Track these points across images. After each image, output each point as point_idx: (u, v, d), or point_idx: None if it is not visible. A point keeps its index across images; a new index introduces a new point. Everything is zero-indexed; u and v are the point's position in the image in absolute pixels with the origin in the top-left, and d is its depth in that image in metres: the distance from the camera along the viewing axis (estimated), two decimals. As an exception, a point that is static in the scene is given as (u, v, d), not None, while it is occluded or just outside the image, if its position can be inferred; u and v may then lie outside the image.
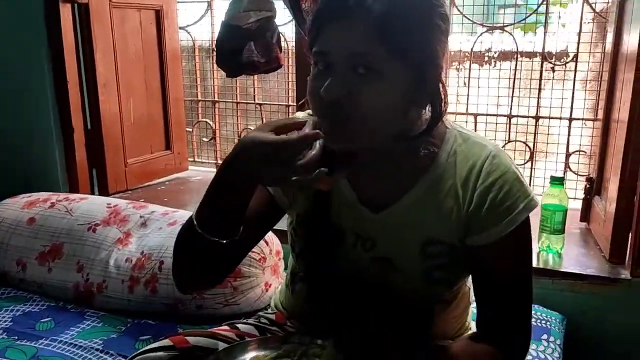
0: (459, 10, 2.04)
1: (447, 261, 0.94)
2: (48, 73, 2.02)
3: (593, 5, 1.93)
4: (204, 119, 2.66)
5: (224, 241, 0.87)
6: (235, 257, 0.99)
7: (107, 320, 1.55)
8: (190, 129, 2.66)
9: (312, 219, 0.98)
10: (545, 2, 1.97)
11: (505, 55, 2.71)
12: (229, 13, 1.58)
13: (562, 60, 2.09)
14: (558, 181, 1.62)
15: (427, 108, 0.90)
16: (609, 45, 1.75)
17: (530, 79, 2.10)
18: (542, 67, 2.03)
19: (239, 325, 1.12)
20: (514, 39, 2.07)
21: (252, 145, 0.78)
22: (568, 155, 2.07)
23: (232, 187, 0.84)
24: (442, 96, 0.89)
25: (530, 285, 0.96)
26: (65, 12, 1.98)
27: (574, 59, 2.00)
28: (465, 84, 3.14)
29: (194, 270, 0.94)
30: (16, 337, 1.45)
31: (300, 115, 1.03)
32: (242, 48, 1.54)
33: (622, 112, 1.55)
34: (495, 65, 2.76)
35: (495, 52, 2.73)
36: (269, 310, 1.20)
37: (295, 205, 1.01)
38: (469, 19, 2.06)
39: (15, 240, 1.74)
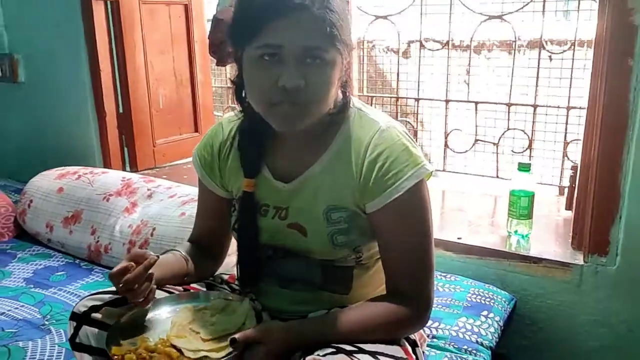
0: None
1: (347, 226, 1.05)
2: (85, 63, 2.31)
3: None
4: (233, 104, 2.87)
5: None
6: (220, 251, 1.27)
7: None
8: (221, 113, 2.88)
9: (242, 198, 1.13)
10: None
11: (534, 44, 2.70)
12: (218, 8, 1.75)
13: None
14: (525, 167, 1.66)
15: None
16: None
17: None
18: (539, 55, 2.04)
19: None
20: (512, 28, 2.09)
21: None
22: (566, 144, 2.06)
23: None
24: (350, 77, 1.06)
25: (425, 249, 1.04)
26: (98, 9, 2.26)
27: (572, 47, 1.99)
28: (493, 71, 3.15)
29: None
30: (32, 286, 1.73)
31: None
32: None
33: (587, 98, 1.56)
34: (524, 54, 2.76)
35: (524, 41, 2.73)
36: (228, 272, 1.37)
37: (234, 191, 1.17)
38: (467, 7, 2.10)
39: (46, 206, 2.03)
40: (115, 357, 0.99)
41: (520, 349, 1.60)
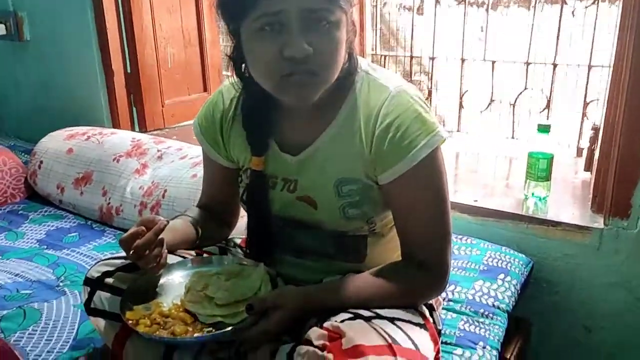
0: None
1: (359, 199, 1.02)
2: (91, 21, 2.24)
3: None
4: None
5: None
6: (231, 217, 1.26)
7: (121, 238, 1.79)
8: (230, 73, 2.82)
9: (250, 173, 1.10)
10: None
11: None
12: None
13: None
14: (544, 128, 1.61)
15: None
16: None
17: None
18: (561, 11, 1.96)
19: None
20: (532, -18, 2.01)
21: None
22: (585, 104, 2.00)
23: None
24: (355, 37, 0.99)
25: (442, 217, 1.01)
26: (104, -36, 2.18)
27: (595, 2, 1.91)
28: (511, 28, 3.05)
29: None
30: (45, 247, 1.72)
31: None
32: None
33: (612, 56, 1.50)
34: (542, 10, 2.67)
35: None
36: (241, 236, 1.35)
37: (241, 163, 1.13)
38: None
39: (56, 167, 2.02)
40: (130, 321, 0.98)
41: (537, 312, 1.59)
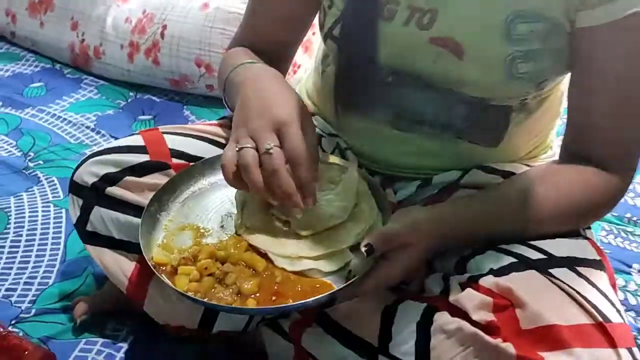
0: None
1: (540, 48, 0.65)
2: None
3: None
4: None
5: None
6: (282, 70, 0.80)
7: (105, 91, 1.33)
8: None
9: None
10: None
11: None
12: None
13: None
14: None
15: None
16: None
17: None
18: None
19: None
20: None
21: None
22: None
23: None
24: None
25: None
26: None
27: None
28: None
29: None
30: (1, 103, 1.25)
31: None
32: None
33: None
34: None
35: None
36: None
37: None
38: None
39: (1, -16, 1.46)
40: (162, 268, 0.59)
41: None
